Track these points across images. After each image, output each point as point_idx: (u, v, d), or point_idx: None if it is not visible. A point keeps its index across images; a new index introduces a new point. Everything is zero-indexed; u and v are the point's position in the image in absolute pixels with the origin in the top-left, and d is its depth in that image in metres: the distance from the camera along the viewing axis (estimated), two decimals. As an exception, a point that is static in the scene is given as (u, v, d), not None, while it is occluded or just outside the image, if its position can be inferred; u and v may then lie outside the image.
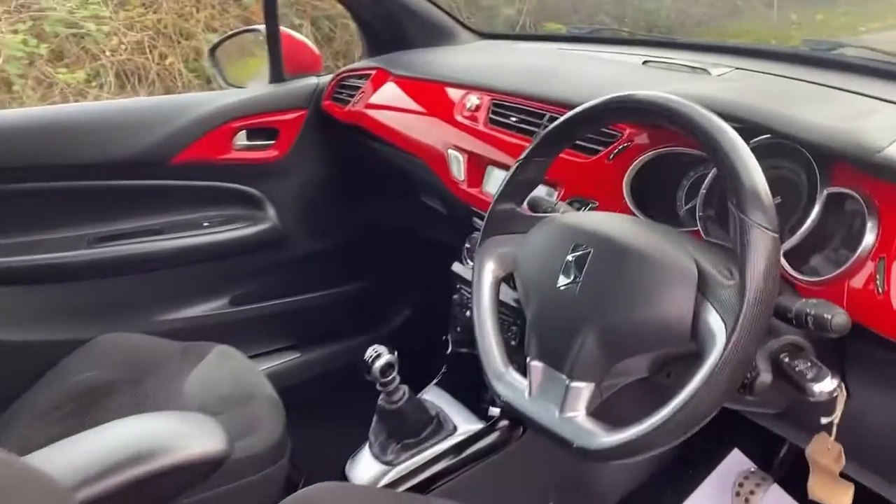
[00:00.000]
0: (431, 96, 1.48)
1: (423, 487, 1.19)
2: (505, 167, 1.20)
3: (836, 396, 0.73)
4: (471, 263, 1.12)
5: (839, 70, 1.11)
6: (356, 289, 1.88)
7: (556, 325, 0.80)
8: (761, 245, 0.67)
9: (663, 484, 1.42)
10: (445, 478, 1.20)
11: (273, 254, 1.74)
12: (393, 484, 1.18)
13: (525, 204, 0.97)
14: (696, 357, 0.70)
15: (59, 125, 1.53)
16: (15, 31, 3.47)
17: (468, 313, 1.27)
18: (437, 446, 1.21)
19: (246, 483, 1.05)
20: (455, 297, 1.37)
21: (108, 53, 3.87)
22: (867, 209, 0.77)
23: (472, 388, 1.27)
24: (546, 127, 0.95)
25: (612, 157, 1.06)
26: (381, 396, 1.17)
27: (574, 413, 0.76)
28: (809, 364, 0.73)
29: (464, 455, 1.21)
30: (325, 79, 1.79)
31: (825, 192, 0.81)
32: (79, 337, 1.32)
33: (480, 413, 1.26)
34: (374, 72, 1.67)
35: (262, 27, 1.71)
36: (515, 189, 0.94)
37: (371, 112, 1.60)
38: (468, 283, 1.26)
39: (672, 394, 0.69)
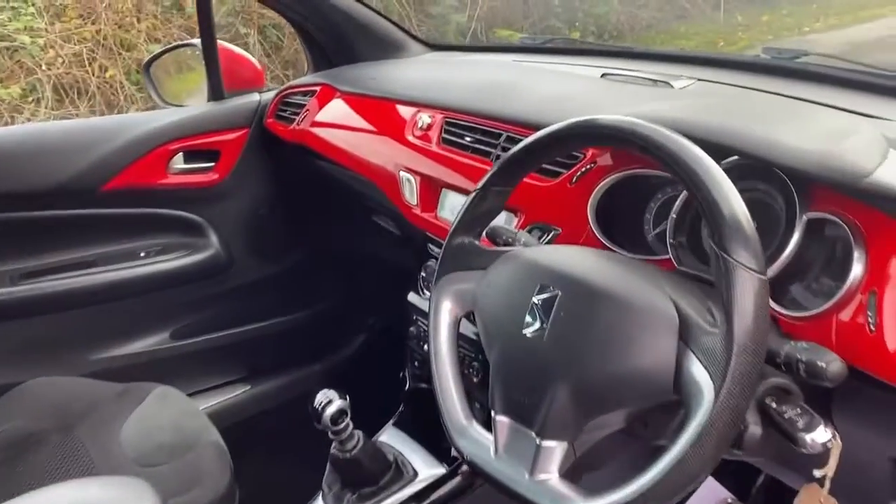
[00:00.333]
0: (381, 114, 1.41)
1: (382, 540, 1.13)
2: (460, 191, 1.15)
3: (831, 448, 0.67)
4: (427, 294, 1.05)
5: (804, 80, 1.09)
6: (306, 316, 1.82)
7: (522, 376, 0.73)
8: (748, 287, 0.61)
9: None
10: (407, 528, 1.14)
11: (217, 283, 1.68)
12: (350, 537, 1.12)
13: (483, 234, 0.90)
14: (679, 407, 0.64)
15: None
16: (-62, 47, 3.33)
17: (426, 346, 1.20)
18: (397, 495, 1.15)
19: None
20: (412, 329, 1.31)
21: (44, 67, 3.78)
22: (853, 237, 0.72)
23: (431, 425, 1.19)
24: (504, 150, 0.88)
25: (574, 180, 1.00)
26: (333, 445, 1.10)
27: (546, 476, 0.69)
28: (799, 411, 0.67)
29: (425, 503, 1.14)
30: (268, 95, 1.71)
31: (805, 218, 0.76)
32: (5, 382, 1.24)
33: (441, 454, 1.21)
34: (319, 88, 1.60)
35: (198, 41, 1.62)
36: (473, 220, 0.87)
37: (317, 131, 1.52)
38: (425, 315, 1.20)
39: (649, 445, 0.63)
